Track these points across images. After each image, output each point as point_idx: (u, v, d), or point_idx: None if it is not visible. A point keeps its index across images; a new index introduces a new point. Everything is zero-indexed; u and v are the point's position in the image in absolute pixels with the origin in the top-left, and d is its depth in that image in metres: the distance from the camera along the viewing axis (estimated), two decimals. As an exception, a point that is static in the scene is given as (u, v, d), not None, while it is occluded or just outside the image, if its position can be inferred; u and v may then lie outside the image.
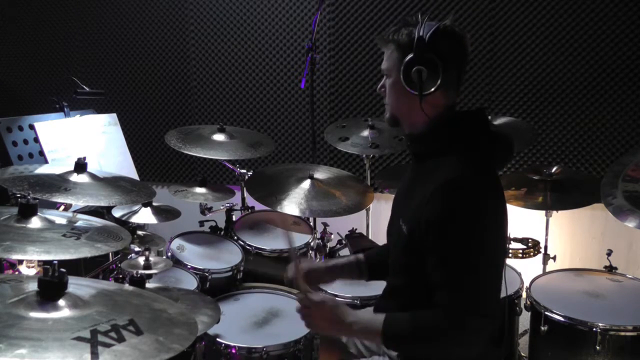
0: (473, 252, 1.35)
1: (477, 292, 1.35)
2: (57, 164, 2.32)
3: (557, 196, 2.50)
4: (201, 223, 2.77)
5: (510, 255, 2.50)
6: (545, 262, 2.65)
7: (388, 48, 1.50)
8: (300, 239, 2.66)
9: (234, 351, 1.89)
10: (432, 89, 1.43)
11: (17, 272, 2.00)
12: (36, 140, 2.49)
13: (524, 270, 2.41)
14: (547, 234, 2.66)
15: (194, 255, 2.50)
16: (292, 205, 2.46)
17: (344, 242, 2.60)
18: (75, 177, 1.78)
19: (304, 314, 1.52)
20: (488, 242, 1.39)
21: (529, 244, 2.55)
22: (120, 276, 2.15)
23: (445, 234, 1.36)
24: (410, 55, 1.42)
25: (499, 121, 2.79)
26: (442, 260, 1.36)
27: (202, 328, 1.78)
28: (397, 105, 1.53)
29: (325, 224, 2.70)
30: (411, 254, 1.46)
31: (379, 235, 2.84)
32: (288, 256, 2.52)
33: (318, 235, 2.69)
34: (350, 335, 1.55)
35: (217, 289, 2.32)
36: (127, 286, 1.42)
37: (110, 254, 2.27)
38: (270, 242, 2.62)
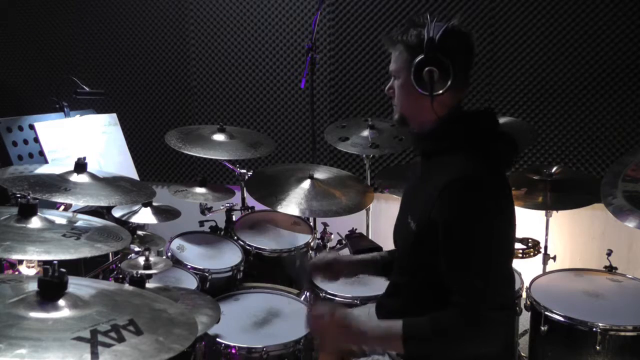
0: (485, 251, 1.36)
1: (491, 288, 1.35)
2: (57, 164, 2.32)
3: (557, 196, 2.50)
4: (201, 223, 2.76)
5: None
6: (545, 262, 2.65)
7: (396, 49, 1.50)
8: (300, 239, 2.66)
9: (234, 351, 1.89)
10: (443, 89, 1.43)
11: (17, 272, 2.00)
12: (36, 140, 2.49)
13: (524, 270, 2.40)
14: (547, 234, 2.66)
15: (194, 255, 2.50)
16: (292, 205, 2.46)
17: (344, 242, 2.60)
18: (75, 177, 1.78)
19: (318, 333, 1.51)
20: (498, 240, 1.39)
21: (529, 244, 2.55)
22: (120, 276, 2.15)
23: (456, 233, 1.36)
24: (420, 56, 1.43)
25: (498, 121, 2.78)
26: (455, 259, 1.37)
27: (202, 328, 1.78)
28: (406, 106, 1.53)
29: (325, 224, 2.70)
30: (418, 251, 1.47)
31: (379, 235, 2.84)
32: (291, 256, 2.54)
33: (318, 235, 2.70)
34: (366, 344, 1.52)
35: (217, 289, 2.32)
36: (127, 286, 1.42)
37: (110, 254, 2.27)
38: (270, 242, 2.61)
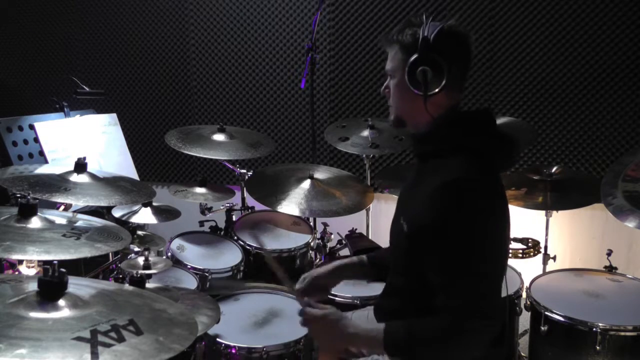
0: (473, 255, 1.35)
1: (477, 295, 1.34)
2: (57, 164, 2.32)
3: (557, 196, 2.50)
4: (201, 223, 2.77)
5: (510, 255, 2.50)
6: (545, 262, 2.65)
7: (392, 49, 1.50)
8: (300, 239, 2.66)
9: (234, 351, 1.89)
10: (437, 89, 1.42)
11: (17, 272, 2.00)
12: (36, 140, 2.49)
13: (524, 270, 2.41)
14: (547, 234, 2.66)
15: (194, 255, 2.50)
16: (292, 205, 2.46)
17: (344, 242, 2.60)
18: (75, 177, 1.78)
19: (309, 328, 1.52)
20: (489, 243, 1.38)
21: (529, 244, 2.54)
22: (120, 276, 2.15)
23: (446, 235, 1.35)
24: (414, 56, 1.42)
25: (499, 121, 2.78)
26: (442, 262, 1.36)
27: (202, 328, 1.78)
28: (401, 106, 1.53)
29: (325, 224, 2.70)
30: (412, 253, 1.46)
31: (379, 235, 2.84)
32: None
33: (318, 235, 2.70)
34: (353, 346, 1.54)
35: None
36: (127, 286, 1.42)
37: (110, 254, 2.27)
38: (270, 242, 2.61)
